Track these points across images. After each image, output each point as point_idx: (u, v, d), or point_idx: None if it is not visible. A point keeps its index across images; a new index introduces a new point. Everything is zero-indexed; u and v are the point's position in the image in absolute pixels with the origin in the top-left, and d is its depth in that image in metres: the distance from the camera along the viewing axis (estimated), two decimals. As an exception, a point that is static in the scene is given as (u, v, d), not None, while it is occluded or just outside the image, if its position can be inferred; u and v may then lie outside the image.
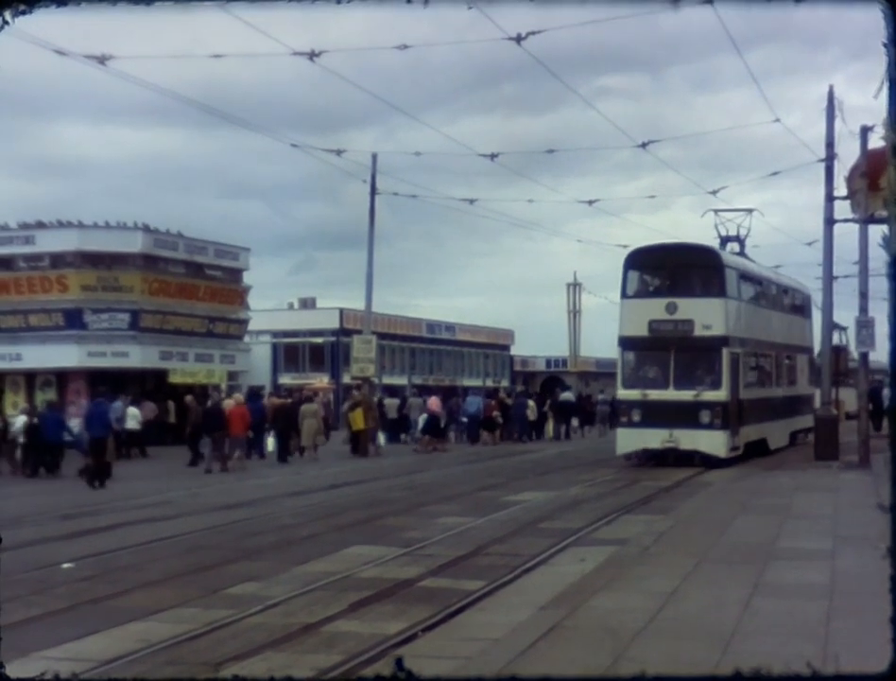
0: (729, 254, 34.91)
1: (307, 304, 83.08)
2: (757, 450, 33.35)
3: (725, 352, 30.67)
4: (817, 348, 42.17)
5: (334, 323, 76.16)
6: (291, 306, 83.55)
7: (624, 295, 32.03)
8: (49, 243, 47.88)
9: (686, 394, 30.28)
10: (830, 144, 33.25)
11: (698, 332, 30.60)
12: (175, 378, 48.87)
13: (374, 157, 43.05)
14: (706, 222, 41.68)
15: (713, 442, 30.28)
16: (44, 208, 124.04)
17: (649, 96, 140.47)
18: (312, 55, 23.51)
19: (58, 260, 47.67)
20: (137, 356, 47.58)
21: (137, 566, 15.48)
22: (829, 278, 34.36)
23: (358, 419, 40.24)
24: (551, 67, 23.75)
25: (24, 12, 6.91)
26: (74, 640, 10.87)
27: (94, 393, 43.34)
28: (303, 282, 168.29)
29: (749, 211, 37.92)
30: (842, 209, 33.44)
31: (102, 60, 22.37)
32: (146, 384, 48.45)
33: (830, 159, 33.31)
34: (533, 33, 22.58)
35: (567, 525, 19.11)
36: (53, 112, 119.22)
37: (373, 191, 42.92)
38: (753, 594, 12.14)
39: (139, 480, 30.04)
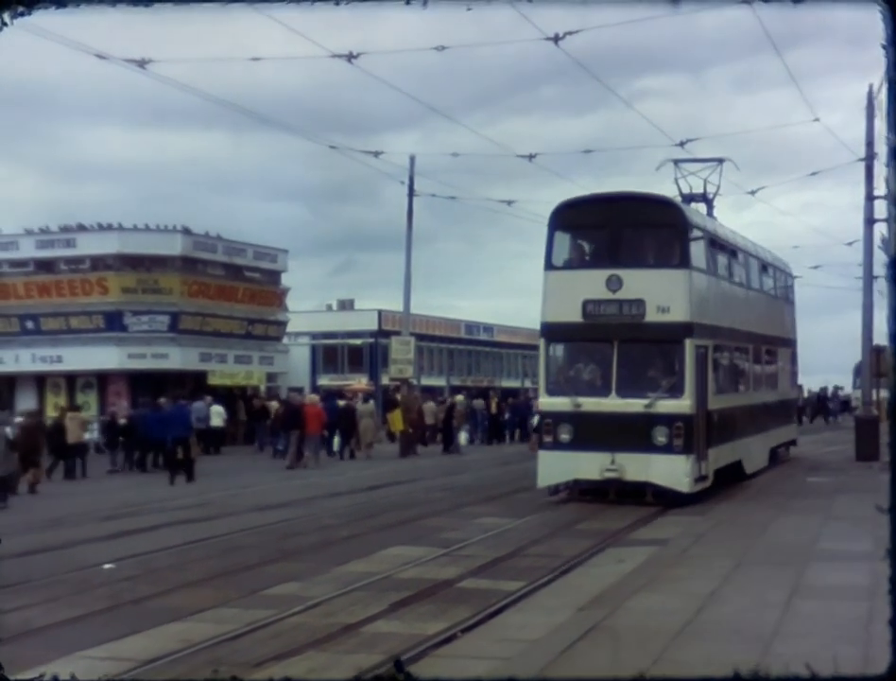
0: (695, 211, 25.76)
1: (346, 305, 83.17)
2: (730, 475, 25.00)
3: (689, 345, 21.95)
4: (800, 340, 36.06)
5: (372, 325, 76.17)
6: (330, 308, 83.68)
7: (548, 266, 23.18)
8: (90, 246, 48.18)
9: (635, 404, 21.76)
10: (870, 143, 33.13)
11: (652, 317, 22.06)
12: (214, 380, 49.08)
13: (412, 159, 43.18)
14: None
15: (672, 470, 21.61)
16: (85, 211, 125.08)
17: (689, 97, 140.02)
18: (350, 57, 23.58)
19: (98, 263, 47.97)
20: (177, 357, 47.83)
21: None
22: (869, 277, 34.20)
23: (397, 421, 40.31)
24: (590, 68, 23.74)
25: (22, 14, 6.94)
26: (114, 640, 10.95)
27: (136, 396, 43.85)
28: (343, 283, 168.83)
29: (720, 161, 28.35)
30: (883, 208, 33.25)
31: (142, 63, 22.52)
32: (186, 386, 48.66)
33: (870, 158, 33.19)
34: (570, 33, 22.58)
35: (605, 526, 19.09)
36: (94, 116, 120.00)
37: (411, 193, 43.01)
38: (793, 595, 12.09)
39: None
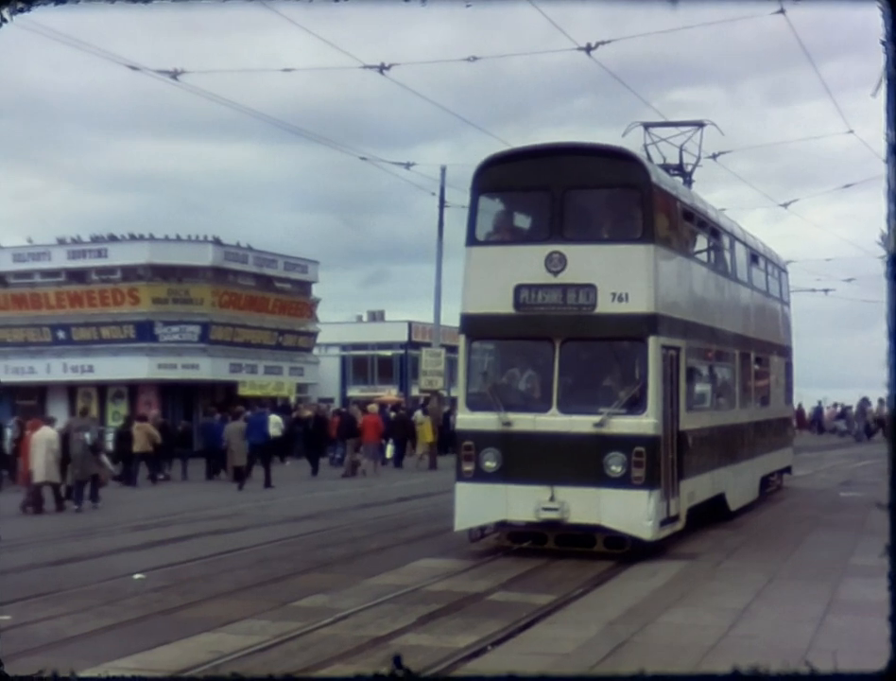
0: (663, 172, 19.78)
1: (376, 316, 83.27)
2: (708, 512, 19.98)
3: (654, 344, 16.76)
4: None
5: (402, 336, 76.16)
6: (360, 319, 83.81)
7: (471, 240, 17.97)
8: (121, 256, 48.43)
9: (582, 423, 16.66)
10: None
11: (606, 307, 16.79)
12: (244, 391, 49.18)
13: (443, 170, 43.17)
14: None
15: (630, 510, 16.42)
16: (117, 222, 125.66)
17: (723, 109, 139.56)
18: (382, 68, 23.61)
19: (129, 273, 48.21)
20: (207, 368, 47.99)
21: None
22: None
23: (427, 432, 40.35)
24: (623, 79, 23.52)
25: (22, 10, 6.95)
26: (145, 650, 10.95)
27: (166, 406, 44.13)
28: (374, 295, 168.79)
29: (699, 125, 23.21)
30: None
31: (174, 74, 22.61)
32: (216, 396, 48.79)
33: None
34: (603, 43, 22.53)
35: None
36: (126, 126, 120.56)
37: (442, 204, 43.03)
38: (827, 611, 11.99)
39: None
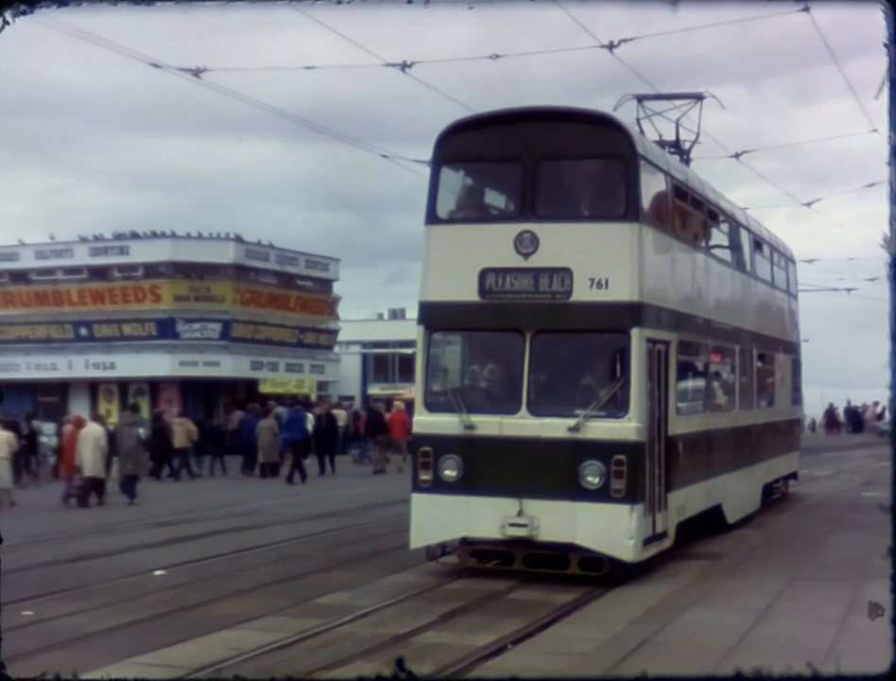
0: (651, 143, 17.92)
1: (397, 314, 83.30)
2: (701, 525, 17.95)
3: (638, 337, 14.63)
4: (804, 345, 28.91)
5: (423, 334, 76.26)
6: (381, 317, 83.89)
7: (431, 218, 15.70)
8: (143, 254, 48.64)
9: (555, 427, 14.57)
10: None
11: (583, 295, 14.69)
12: (265, 388, 49.31)
13: (465, 168, 43.08)
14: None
15: (609, 527, 14.33)
16: (139, 219, 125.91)
17: (746, 108, 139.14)
18: (404, 66, 23.55)
19: (151, 270, 48.39)
20: (228, 365, 48.13)
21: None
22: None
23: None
24: (646, 78, 23.28)
25: (24, 12, 6.96)
26: (165, 647, 10.97)
27: (187, 403, 44.23)
28: (395, 293, 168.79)
29: (698, 98, 21.15)
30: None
31: (197, 72, 22.60)
32: (237, 394, 48.89)
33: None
34: (626, 41, 22.42)
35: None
36: (148, 125, 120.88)
37: (463, 202, 42.94)
38: (849, 612, 11.93)
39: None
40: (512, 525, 14.53)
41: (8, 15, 6.93)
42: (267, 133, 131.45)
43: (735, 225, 21.34)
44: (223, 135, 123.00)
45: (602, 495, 14.25)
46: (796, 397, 28.07)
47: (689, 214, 18.30)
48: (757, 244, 23.30)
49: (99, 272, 49.42)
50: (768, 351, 24.04)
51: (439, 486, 15.02)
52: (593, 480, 14.30)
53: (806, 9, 16.87)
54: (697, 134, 21.26)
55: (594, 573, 14.25)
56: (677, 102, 21.10)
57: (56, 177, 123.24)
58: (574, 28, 21.06)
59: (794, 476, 27.32)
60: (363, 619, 12.29)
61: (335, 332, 55.80)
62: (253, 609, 12.84)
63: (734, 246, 21.26)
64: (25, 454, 31.41)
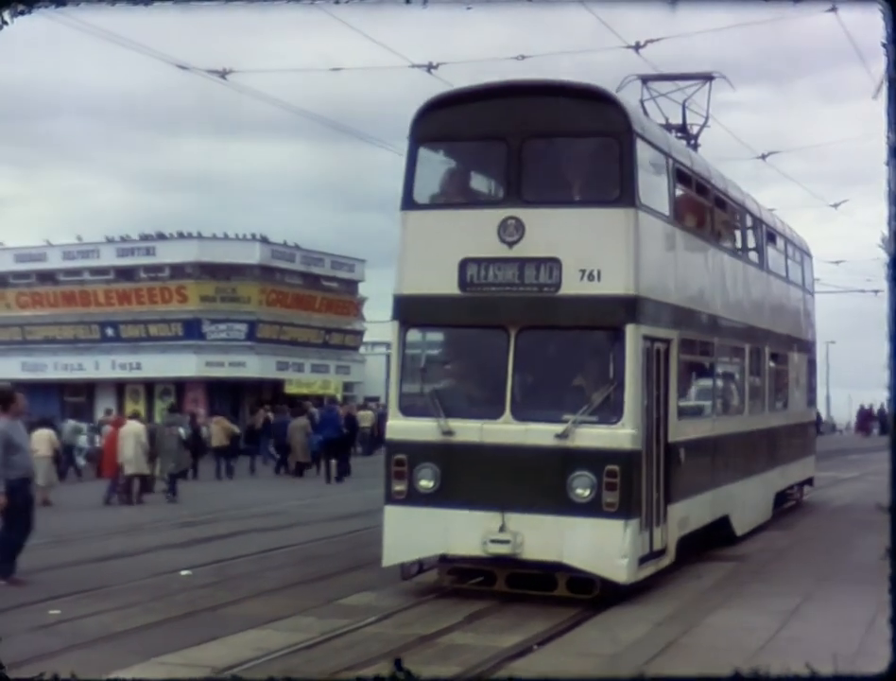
0: (650, 121, 16.49)
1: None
2: (705, 539, 16.56)
3: (633, 335, 13.26)
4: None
5: (448, 335, 76.26)
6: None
7: (408, 203, 14.27)
8: (169, 254, 48.78)
9: (542, 433, 13.23)
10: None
11: (572, 287, 13.33)
12: (291, 389, 49.39)
13: (490, 169, 43.04)
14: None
15: (600, 545, 12.98)
16: (166, 220, 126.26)
17: (773, 108, 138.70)
18: (430, 67, 23.55)
19: (177, 271, 48.52)
20: (254, 366, 48.22)
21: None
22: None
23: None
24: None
25: (22, 13, 6.98)
26: (191, 646, 10.99)
27: (211, 402, 44.40)
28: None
29: (707, 78, 19.73)
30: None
31: (223, 74, 22.66)
32: (263, 394, 48.99)
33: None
34: (652, 41, 22.35)
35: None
36: (175, 126, 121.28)
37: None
38: (878, 614, 11.86)
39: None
40: (494, 541, 13.17)
41: (6, 15, 6.95)
42: (293, 134, 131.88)
43: (745, 213, 19.96)
44: (249, 136, 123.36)
45: (593, 509, 12.96)
46: (811, 399, 26.75)
47: (693, 200, 16.89)
48: (770, 236, 21.80)
49: (126, 273, 49.58)
50: (782, 350, 22.55)
51: (415, 498, 13.67)
52: (582, 492, 12.99)
53: (833, 10, 16.80)
54: (707, 118, 19.90)
55: (584, 595, 13.00)
56: (683, 83, 19.68)
57: (83, 178, 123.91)
58: (600, 29, 20.97)
59: (809, 482, 25.93)
60: (388, 620, 12.29)
61: (360, 333, 55.85)
62: (279, 609, 12.84)
63: (745, 237, 20.09)
64: (68, 452, 32.45)
